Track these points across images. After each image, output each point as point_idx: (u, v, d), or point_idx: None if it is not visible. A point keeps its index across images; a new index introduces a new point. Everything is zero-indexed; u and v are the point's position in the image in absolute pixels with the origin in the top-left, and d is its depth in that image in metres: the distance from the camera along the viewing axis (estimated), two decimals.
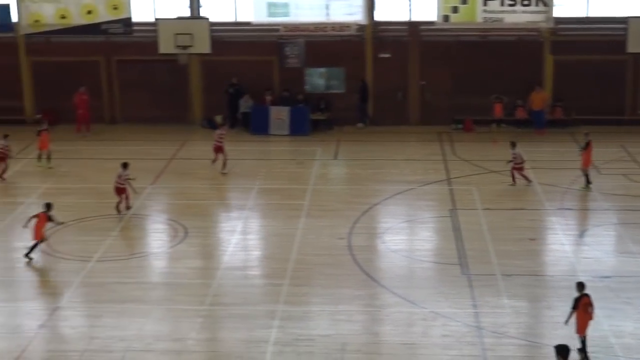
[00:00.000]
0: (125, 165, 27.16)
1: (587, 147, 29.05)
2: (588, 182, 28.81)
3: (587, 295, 18.13)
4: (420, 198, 28.64)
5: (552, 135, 36.09)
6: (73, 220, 26.29)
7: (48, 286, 22.19)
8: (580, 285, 18.24)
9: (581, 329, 18.02)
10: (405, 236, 25.59)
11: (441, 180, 30.32)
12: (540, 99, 36.67)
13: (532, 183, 29.07)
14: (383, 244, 24.58)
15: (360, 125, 38.40)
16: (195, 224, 26.02)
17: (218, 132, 31.88)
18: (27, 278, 22.69)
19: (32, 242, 23.34)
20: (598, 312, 19.88)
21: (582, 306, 18.02)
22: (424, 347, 18.74)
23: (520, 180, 29.14)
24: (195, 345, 18.96)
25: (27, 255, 23.33)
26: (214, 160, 31.39)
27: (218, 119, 38.35)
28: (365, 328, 19.71)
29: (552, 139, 35.62)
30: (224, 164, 31.05)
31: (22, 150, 34.40)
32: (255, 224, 26.77)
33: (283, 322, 19.84)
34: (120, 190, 26.91)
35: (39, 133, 32.21)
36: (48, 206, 23.79)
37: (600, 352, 18.35)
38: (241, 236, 25.43)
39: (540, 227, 25.89)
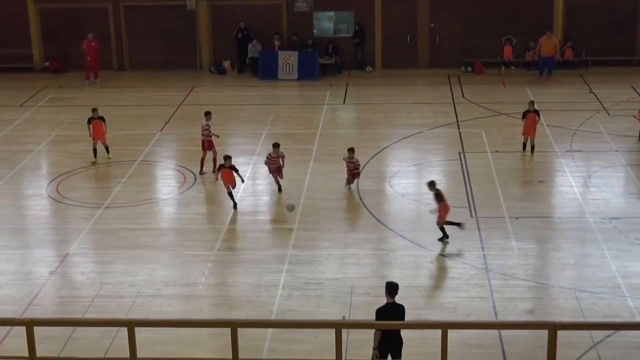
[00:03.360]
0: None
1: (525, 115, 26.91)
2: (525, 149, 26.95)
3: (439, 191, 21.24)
4: (429, 141, 28.59)
5: (561, 77, 35.86)
6: (82, 168, 26.40)
7: (58, 233, 22.29)
8: (432, 184, 21.36)
9: (441, 219, 20.96)
10: (413, 180, 25.57)
11: (450, 124, 30.24)
12: (551, 44, 36.03)
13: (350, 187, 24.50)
14: (391, 188, 24.61)
15: (369, 69, 38.24)
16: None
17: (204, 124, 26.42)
18: (37, 225, 22.82)
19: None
20: (606, 253, 20.08)
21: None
22: (432, 290, 18.87)
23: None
24: (205, 290, 19.10)
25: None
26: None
27: (226, 64, 38.31)
28: (373, 271, 19.81)
29: (561, 81, 35.43)
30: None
31: (30, 98, 34.42)
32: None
33: (292, 266, 19.96)
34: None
35: (89, 121, 27.18)
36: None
37: (608, 293, 18.44)
38: (250, 181, 25.46)
39: (549, 170, 25.84)
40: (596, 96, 32.89)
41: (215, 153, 25.80)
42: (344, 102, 33.92)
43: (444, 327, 11.50)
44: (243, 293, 18.85)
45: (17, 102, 33.73)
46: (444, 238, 21.04)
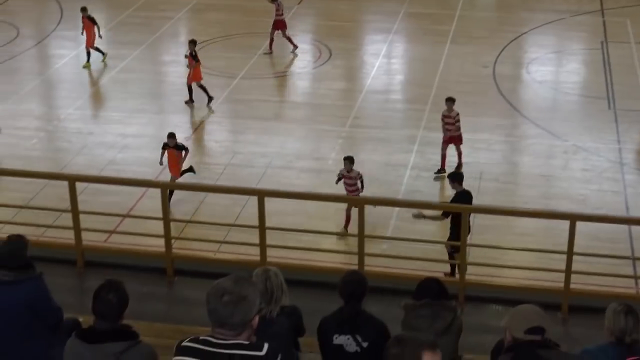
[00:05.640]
0: None
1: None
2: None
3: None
4: (571, 29, 27.76)
5: None
6: (220, 37, 26.65)
7: (194, 100, 22.68)
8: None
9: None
10: (552, 67, 25.00)
11: (594, 11, 29.22)
12: None
13: None
14: (528, 74, 24.12)
15: None
16: (339, 45, 25.99)
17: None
18: (174, 92, 23.24)
19: None
20: None
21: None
22: (563, 180, 18.60)
23: None
24: (335, 165, 19.19)
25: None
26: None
27: None
28: (504, 157, 19.64)
29: None
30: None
31: None
32: (399, 48, 26.57)
33: (422, 147, 19.93)
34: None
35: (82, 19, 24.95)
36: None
37: None
38: (385, 59, 25.32)
39: None
40: None
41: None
42: None
43: (573, 218, 11.39)
44: (372, 171, 18.92)
45: None
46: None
